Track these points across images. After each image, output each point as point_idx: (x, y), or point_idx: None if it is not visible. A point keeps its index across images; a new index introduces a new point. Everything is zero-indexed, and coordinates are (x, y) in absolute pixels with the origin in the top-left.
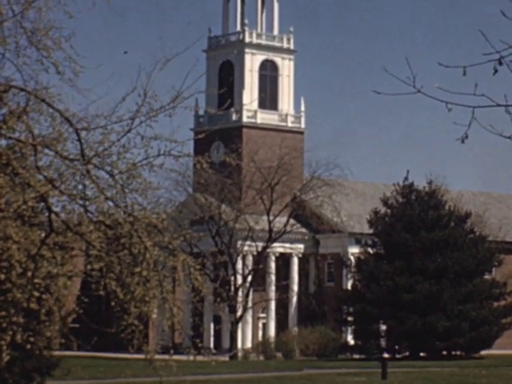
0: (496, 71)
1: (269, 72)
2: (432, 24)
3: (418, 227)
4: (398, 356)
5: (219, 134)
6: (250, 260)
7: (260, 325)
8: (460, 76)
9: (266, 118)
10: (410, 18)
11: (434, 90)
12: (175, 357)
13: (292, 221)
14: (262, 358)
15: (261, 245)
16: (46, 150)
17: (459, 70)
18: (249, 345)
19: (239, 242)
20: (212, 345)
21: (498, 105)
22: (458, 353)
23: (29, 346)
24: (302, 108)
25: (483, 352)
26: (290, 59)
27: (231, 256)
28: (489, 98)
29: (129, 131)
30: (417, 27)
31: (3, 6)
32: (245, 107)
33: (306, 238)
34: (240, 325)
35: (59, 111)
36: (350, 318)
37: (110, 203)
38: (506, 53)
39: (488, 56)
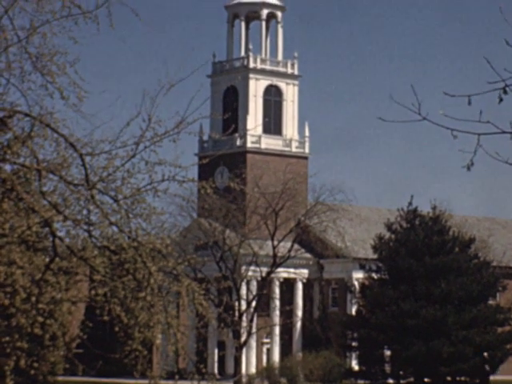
0: (501, 100)
1: (273, 97)
2: (437, 51)
3: (423, 252)
4: (402, 381)
5: (223, 159)
6: (254, 285)
7: (264, 350)
8: (465, 103)
9: (270, 143)
10: (415, 45)
11: (440, 116)
12: (179, 382)
13: (296, 246)
14: (266, 383)
15: (265, 270)
16: (51, 175)
17: (464, 97)
18: (253, 370)
19: (243, 267)
20: (216, 370)
21: (504, 132)
22: (463, 378)
23: (33, 372)
24: (307, 133)
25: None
26: (294, 84)
27: (235, 281)
28: (494, 125)
29: (133, 156)
30: (422, 54)
31: (8, 31)
32: (249, 132)
33: (311, 263)
34: (244, 350)
35: (64, 136)
36: (354, 344)
37: (115, 228)
38: (511, 81)
39: (493, 84)
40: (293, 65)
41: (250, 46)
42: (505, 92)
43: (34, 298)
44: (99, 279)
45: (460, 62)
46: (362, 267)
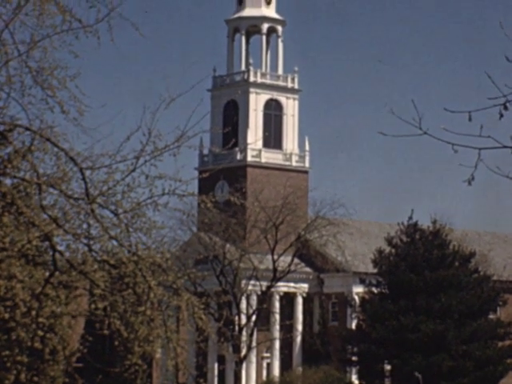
0: (502, 116)
1: (273, 111)
2: (438, 66)
3: (423, 267)
4: None
5: (224, 174)
6: (254, 299)
7: (264, 364)
8: (466, 118)
9: (270, 157)
10: (416, 60)
11: (440, 131)
12: None
13: (296, 260)
14: None
15: (265, 284)
16: (51, 189)
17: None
18: None
19: (243, 282)
20: None
21: (504, 146)
22: None
23: None
24: (307, 147)
25: None
26: (294, 99)
27: (235, 295)
28: (495, 140)
29: (133, 170)
30: (422, 68)
31: (9, 45)
32: (249, 146)
33: (311, 277)
34: (244, 364)
35: (64, 150)
36: (354, 358)
37: (115, 242)
38: (511, 97)
39: (494, 100)
40: (293, 79)
41: (251, 61)
42: (505, 108)
43: (34, 312)
44: (99, 293)
45: (461, 77)
46: (362, 281)
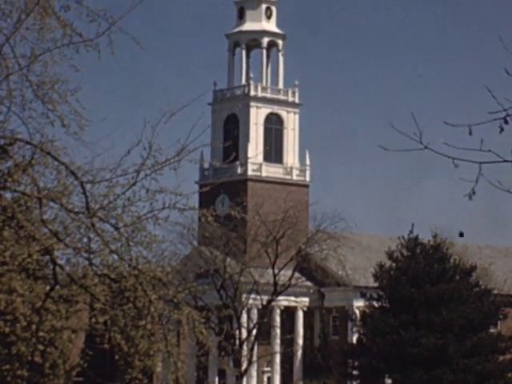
0: (502, 129)
1: (274, 125)
2: (438, 80)
3: (423, 281)
4: None
5: (224, 187)
6: (254, 313)
7: (265, 379)
8: (467, 132)
9: (270, 171)
10: (416, 73)
11: (441, 145)
12: None
13: (297, 274)
14: None
15: (266, 298)
16: (51, 203)
17: (465, 127)
18: None
19: (244, 296)
20: None
21: (505, 160)
22: None
23: None
24: (307, 161)
25: None
26: (295, 113)
27: (236, 309)
28: (495, 154)
29: (134, 184)
30: (423, 83)
31: (9, 59)
32: (250, 160)
33: (311, 291)
34: (245, 379)
35: (64, 164)
36: (355, 372)
37: (115, 256)
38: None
39: (494, 114)
40: (293, 93)
41: (251, 75)
42: (506, 122)
43: (34, 326)
44: (99, 307)
45: (461, 90)
46: (362, 295)
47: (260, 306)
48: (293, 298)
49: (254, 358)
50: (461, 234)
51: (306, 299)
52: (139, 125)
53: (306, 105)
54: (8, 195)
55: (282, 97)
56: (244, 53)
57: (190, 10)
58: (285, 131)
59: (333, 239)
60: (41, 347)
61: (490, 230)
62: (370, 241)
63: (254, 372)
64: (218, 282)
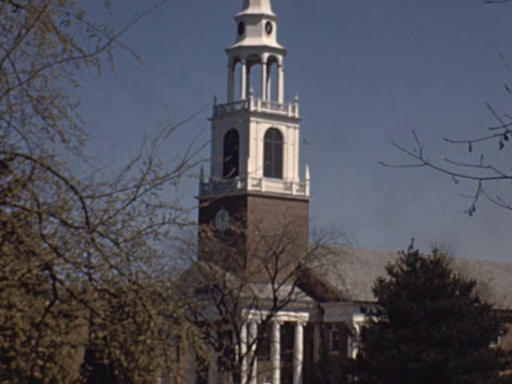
0: (502, 145)
1: (274, 140)
2: (438, 96)
3: (423, 296)
4: None
5: (224, 202)
6: (254, 328)
7: None
8: (467, 148)
9: (270, 186)
10: (416, 90)
11: (441, 161)
12: None
13: (297, 289)
14: None
15: (265, 313)
16: (51, 218)
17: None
18: None
19: (244, 311)
20: None
21: (505, 176)
22: None
23: None
24: (307, 176)
25: None
26: (294, 127)
27: (236, 324)
28: (495, 170)
29: (134, 199)
30: (424, 99)
31: (9, 74)
32: (250, 175)
33: (311, 306)
34: None
35: (64, 179)
36: None
37: (115, 271)
38: (511, 127)
39: (494, 130)
40: (293, 108)
41: (251, 90)
42: (505, 138)
43: (33, 341)
44: (99, 322)
45: (461, 107)
46: (362, 310)
47: (260, 321)
48: (292, 313)
49: (254, 373)
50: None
51: (306, 314)
52: (139, 140)
53: (306, 120)
54: (8, 210)
55: (281, 112)
56: (244, 68)
57: (191, 26)
58: (285, 146)
59: (332, 254)
60: (40, 362)
61: (490, 246)
62: (370, 256)
63: None
64: (218, 297)
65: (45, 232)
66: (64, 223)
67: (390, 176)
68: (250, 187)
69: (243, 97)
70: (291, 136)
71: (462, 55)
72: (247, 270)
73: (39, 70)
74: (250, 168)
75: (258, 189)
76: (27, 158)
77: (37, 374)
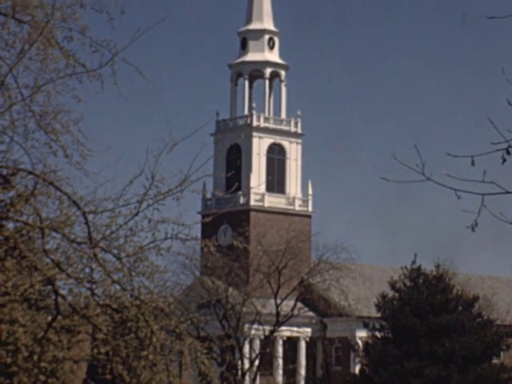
0: (505, 160)
1: (276, 155)
2: (440, 111)
3: (426, 311)
4: None
5: (227, 218)
6: (257, 344)
7: None
8: (469, 163)
9: (273, 201)
10: (418, 106)
11: (443, 176)
12: None
13: (299, 304)
14: None
15: (268, 328)
16: (54, 233)
17: (468, 158)
18: None
19: (246, 326)
20: None
21: (508, 192)
22: None
23: None
24: (310, 191)
25: None
26: (297, 143)
27: (238, 340)
28: (498, 185)
29: (136, 214)
30: (425, 113)
31: (12, 89)
32: (252, 190)
33: (314, 321)
34: None
35: (67, 194)
36: None
37: (117, 286)
38: None
39: (496, 145)
40: (296, 123)
41: (254, 105)
42: (508, 153)
43: (36, 357)
44: (101, 338)
45: (463, 122)
46: (365, 326)
47: (262, 337)
48: (295, 329)
49: None
50: None
51: (309, 329)
52: (142, 155)
53: (309, 135)
54: (10, 225)
55: (284, 127)
56: (247, 83)
57: (193, 41)
58: (287, 161)
59: (335, 269)
60: (42, 378)
61: (493, 261)
62: (373, 271)
63: None
64: (221, 312)
65: (47, 247)
66: (66, 238)
67: (392, 191)
68: (252, 202)
69: (246, 112)
70: (294, 151)
71: (464, 70)
72: (250, 285)
73: (42, 86)
74: (253, 183)
75: (260, 204)
76: (30, 173)
77: None
